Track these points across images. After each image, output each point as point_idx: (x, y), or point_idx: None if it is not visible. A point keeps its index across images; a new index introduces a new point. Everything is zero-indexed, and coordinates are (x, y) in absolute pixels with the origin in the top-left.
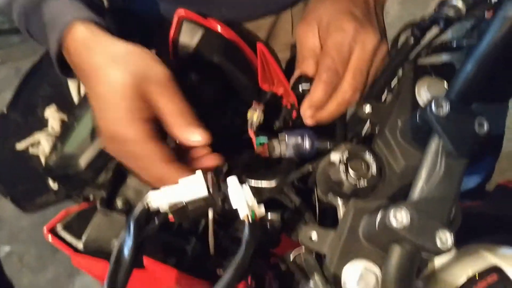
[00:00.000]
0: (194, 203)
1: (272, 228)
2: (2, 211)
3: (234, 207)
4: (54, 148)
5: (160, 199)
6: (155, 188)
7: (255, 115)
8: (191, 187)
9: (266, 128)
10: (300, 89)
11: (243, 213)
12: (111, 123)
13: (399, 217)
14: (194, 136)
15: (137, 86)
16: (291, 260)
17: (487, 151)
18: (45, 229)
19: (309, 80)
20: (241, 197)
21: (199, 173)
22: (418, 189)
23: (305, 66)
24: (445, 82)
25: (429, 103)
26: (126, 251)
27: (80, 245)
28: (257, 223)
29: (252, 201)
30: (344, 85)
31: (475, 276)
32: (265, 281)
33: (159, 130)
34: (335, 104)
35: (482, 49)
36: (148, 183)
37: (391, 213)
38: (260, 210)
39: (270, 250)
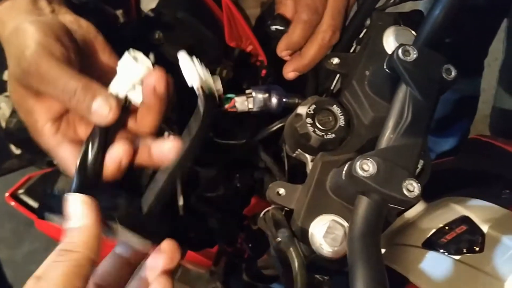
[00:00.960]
0: None
1: (242, 186)
2: None
3: (186, 79)
4: (14, 111)
5: (116, 86)
6: None
7: (223, 72)
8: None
9: (235, 87)
10: (274, 28)
11: (196, 84)
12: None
13: (366, 167)
14: (97, 107)
15: (18, 71)
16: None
17: (462, 114)
18: (6, 194)
19: (286, 21)
20: (193, 69)
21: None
22: (385, 139)
23: (283, 6)
24: (413, 32)
25: (396, 49)
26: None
27: None
28: (215, 97)
29: (207, 75)
30: (323, 26)
31: (444, 227)
32: (236, 243)
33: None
34: (316, 47)
35: None
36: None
37: (358, 163)
38: (217, 85)
39: (241, 212)
